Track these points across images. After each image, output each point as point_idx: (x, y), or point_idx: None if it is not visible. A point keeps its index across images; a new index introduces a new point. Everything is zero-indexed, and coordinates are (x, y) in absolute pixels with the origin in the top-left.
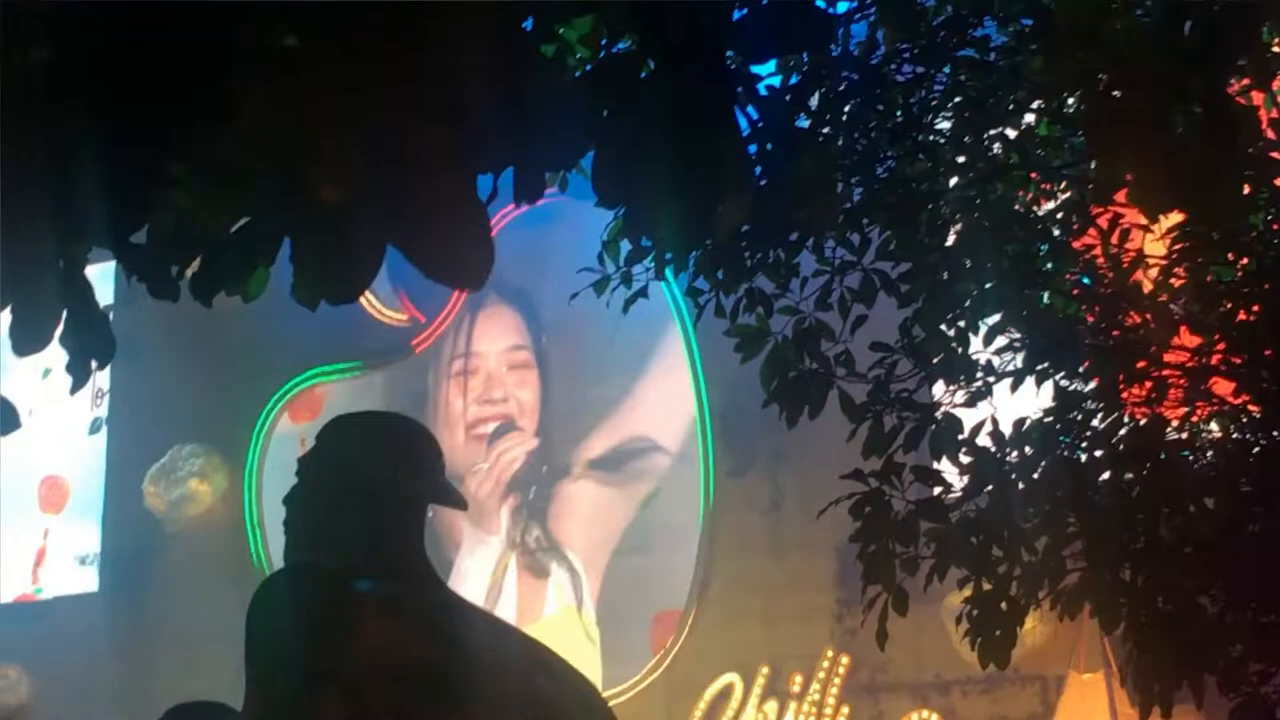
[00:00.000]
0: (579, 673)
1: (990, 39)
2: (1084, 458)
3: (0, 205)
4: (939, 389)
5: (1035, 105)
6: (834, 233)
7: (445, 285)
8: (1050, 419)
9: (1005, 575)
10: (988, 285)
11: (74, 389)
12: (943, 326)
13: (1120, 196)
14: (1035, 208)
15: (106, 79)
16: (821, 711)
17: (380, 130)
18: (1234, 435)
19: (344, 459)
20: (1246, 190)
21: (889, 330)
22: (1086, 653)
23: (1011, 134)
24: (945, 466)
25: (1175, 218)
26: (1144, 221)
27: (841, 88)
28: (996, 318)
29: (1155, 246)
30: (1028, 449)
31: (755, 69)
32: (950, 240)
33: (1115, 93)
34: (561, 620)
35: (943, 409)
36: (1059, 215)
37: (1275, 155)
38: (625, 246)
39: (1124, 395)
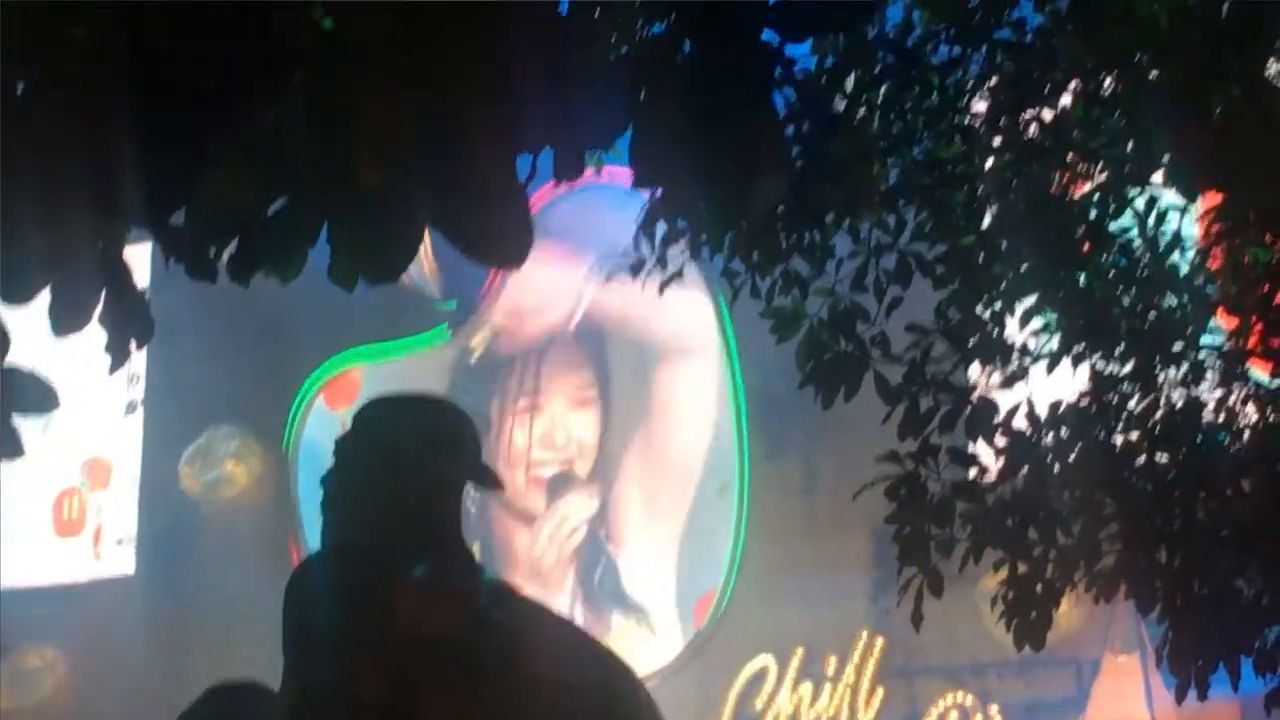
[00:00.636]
0: (616, 654)
1: (1027, 20)
2: (1120, 440)
3: (40, 185)
4: (975, 371)
5: (1072, 86)
6: (870, 214)
7: (484, 265)
8: (1086, 401)
9: (1041, 557)
10: (1024, 267)
11: (113, 369)
12: (979, 308)
13: (1157, 178)
14: (1072, 189)
15: (147, 58)
16: (856, 694)
17: (419, 111)
18: (1270, 418)
19: (380, 440)
20: None
21: (925, 312)
22: (1122, 635)
23: (1048, 115)
24: (981, 449)
25: (1213, 199)
26: (1181, 203)
27: (878, 69)
28: (1032, 300)
29: (1192, 228)
30: (1064, 431)
31: (791, 51)
32: (986, 222)
33: (1152, 74)
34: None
35: (978, 391)
36: (1095, 197)
37: None
38: (661, 230)
39: (1160, 378)
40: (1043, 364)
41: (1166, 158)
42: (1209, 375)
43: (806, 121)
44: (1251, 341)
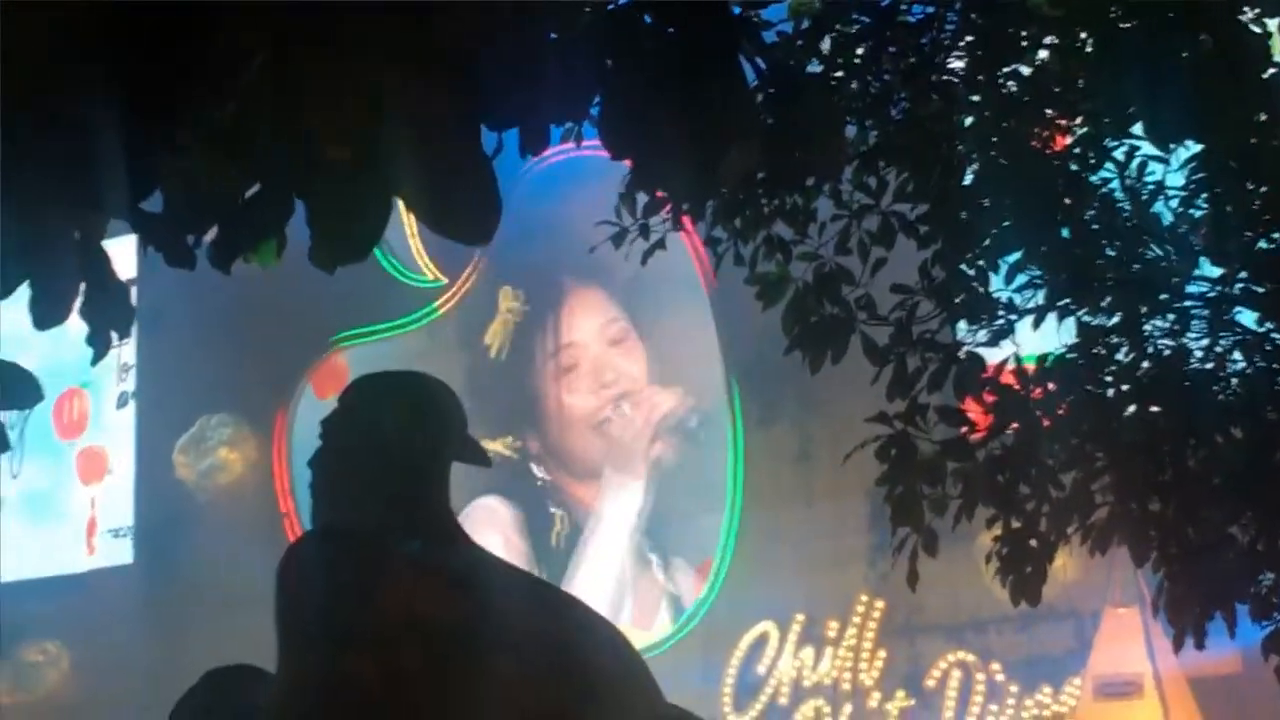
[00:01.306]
0: (612, 626)
1: None
2: (1109, 392)
3: (13, 178)
4: (961, 329)
5: (1048, 41)
6: (850, 176)
7: (454, 240)
8: (1073, 354)
9: (1034, 512)
10: (1006, 223)
11: (95, 360)
12: (963, 266)
13: (1137, 129)
14: (1051, 144)
15: (112, 46)
16: (858, 656)
17: (385, 85)
18: (1258, 364)
19: (366, 419)
20: (1262, 118)
21: (909, 272)
22: (1121, 586)
23: (1025, 71)
24: (970, 406)
25: (1194, 148)
26: (1161, 154)
27: (853, 30)
28: (1016, 255)
29: (1174, 178)
30: (1051, 385)
31: (766, 15)
32: (967, 180)
33: (1123, 25)
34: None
35: (965, 348)
36: (1076, 150)
37: None
38: (642, 198)
39: (1146, 328)
40: (1029, 319)
41: (1143, 109)
42: (1195, 324)
43: (775, 86)
44: (1236, 289)
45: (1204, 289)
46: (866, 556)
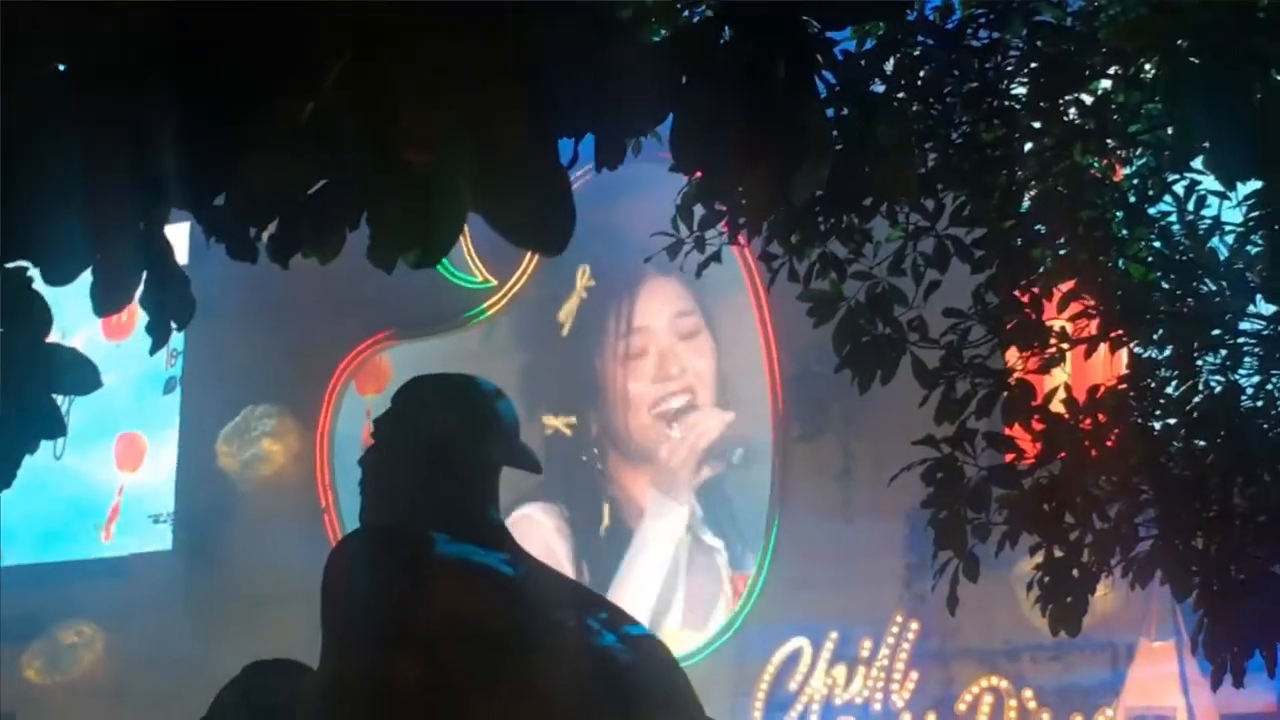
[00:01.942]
0: (653, 636)
1: (1067, 3)
2: (1158, 425)
3: (83, 166)
4: (1012, 355)
5: (1112, 71)
6: (907, 199)
7: (527, 250)
8: (1124, 386)
9: (1077, 542)
10: (1062, 251)
11: (154, 349)
12: (1016, 292)
13: (1196, 162)
14: (1111, 174)
15: (193, 41)
16: (890, 677)
17: (463, 94)
18: None
19: (418, 421)
20: None
21: (962, 296)
22: (1157, 620)
23: (1087, 100)
24: (1018, 433)
25: (1253, 184)
26: (1220, 188)
27: (917, 53)
28: (1070, 284)
29: (1231, 213)
30: (1101, 416)
31: (831, 34)
32: (1024, 206)
33: (1193, 59)
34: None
35: (1016, 375)
36: (1135, 181)
37: None
38: (699, 211)
39: (1198, 363)
40: (1080, 348)
41: (1207, 143)
42: (1247, 361)
43: (848, 105)
44: None
45: (1258, 326)
46: (903, 577)
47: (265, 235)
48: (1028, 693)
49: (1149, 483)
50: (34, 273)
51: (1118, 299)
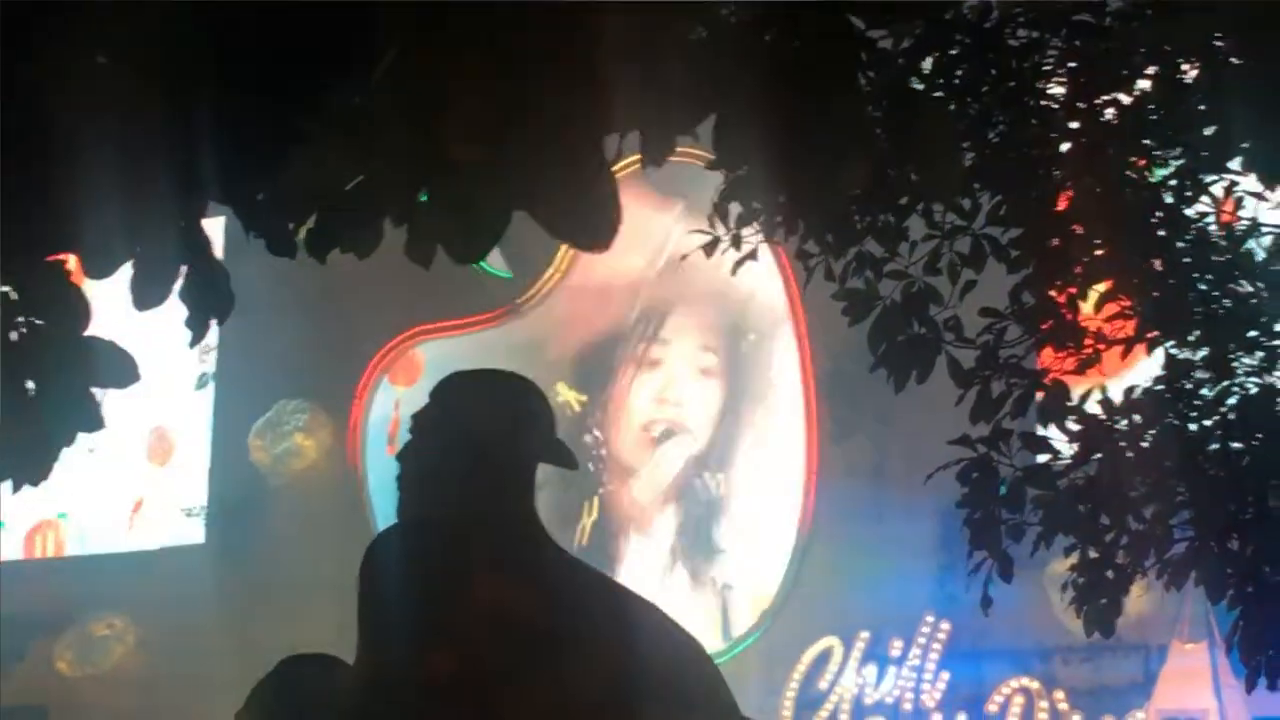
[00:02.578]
0: (690, 635)
1: (1106, 4)
2: (1193, 426)
3: (123, 161)
4: (1048, 355)
5: (1150, 71)
6: (950, 198)
7: (573, 247)
8: (1160, 387)
9: (1112, 543)
10: (1099, 252)
11: (193, 343)
12: (1052, 292)
13: (1235, 164)
14: (1148, 174)
15: (238, 35)
16: (921, 676)
17: (509, 90)
18: None
19: (457, 416)
20: None
21: (998, 296)
22: (1190, 622)
23: (1126, 100)
24: (1053, 433)
25: None
26: (1259, 189)
27: (955, 52)
28: (1107, 284)
29: (1270, 215)
30: (1137, 417)
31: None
32: (1061, 206)
33: (1232, 59)
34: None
35: (1051, 375)
36: (1172, 182)
37: None
38: (735, 209)
39: (1235, 364)
40: (1117, 349)
41: (1246, 144)
42: None
43: (887, 103)
44: None
45: None
46: (935, 576)
47: (303, 230)
48: (1059, 694)
49: (1184, 484)
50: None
51: (1154, 300)
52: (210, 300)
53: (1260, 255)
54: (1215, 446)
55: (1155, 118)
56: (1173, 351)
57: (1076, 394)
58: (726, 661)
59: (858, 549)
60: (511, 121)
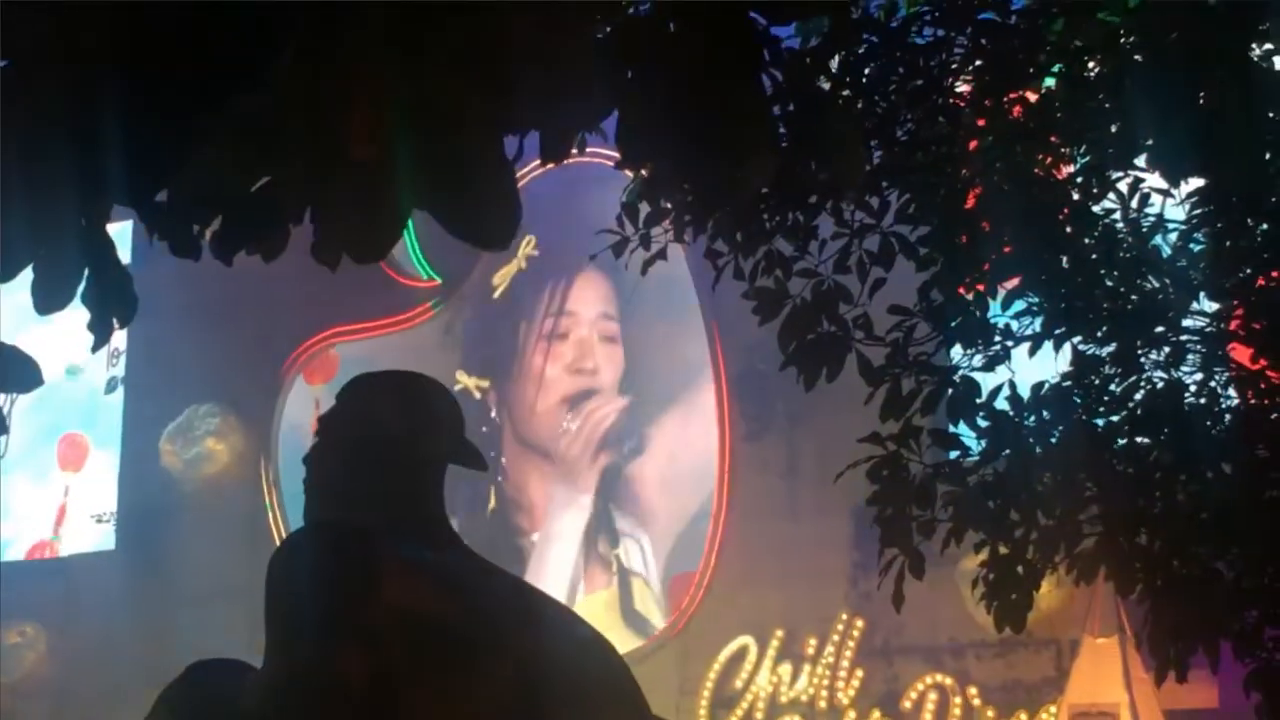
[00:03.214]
0: (598, 633)
1: (1011, 1)
2: (1102, 422)
3: (23, 163)
4: (957, 352)
5: (1056, 69)
6: (853, 195)
7: (471, 245)
8: (1068, 383)
9: (1022, 539)
10: (1006, 249)
11: (95, 347)
12: (961, 290)
13: (1140, 161)
14: (1055, 172)
15: (136, 35)
16: (835, 674)
17: (408, 89)
18: (1251, 401)
19: (363, 418)
20: (1268, 155)
21: (907, 293)
22: (1101, 617)
23: (1032, 97)
24: (962, 430)
25: (1195, 182)
26: (1164, 186)
27: (862, 50)
28: (1015, 281)
29: (1175, 211)
30: (1045, 413)
31: (775, 31)
32: (969, 204)
33: (1136, 57)
34: (628, 587)
35: (960, 372)
36: (1079, 179)
37: None
38: (644, 209)
39: (1142, 360)
40: (1025, 346)
41: (1151, 141)
42: (1190, 358)
43: (793, 101)
44: (1233, 325)
45: (1201, 324)
46: (848, 575)
47: (208, 233)
48: (972, 690)
49: (1093, 479)
50: None
51: (1061, 296)
52: (113, 303)
53: (1166, 251)
54: (1123, 442)
55: (1061, 115)
56: (1080, 347)
57: (986, 390)
58: (640, 661)
59: (772, 548)
60: (408, 120)
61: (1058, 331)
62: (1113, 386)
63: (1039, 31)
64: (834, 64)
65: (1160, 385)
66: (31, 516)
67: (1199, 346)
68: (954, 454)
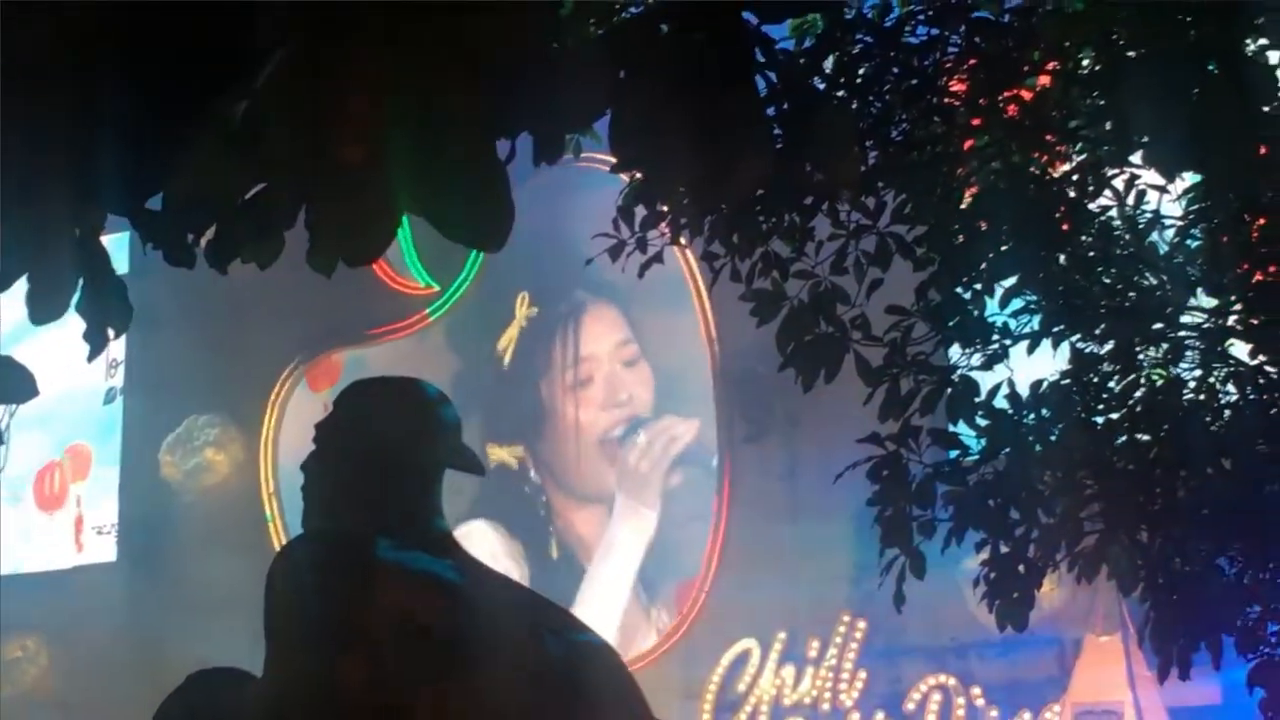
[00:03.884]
0: (600, 637)
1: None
2: (1101, 420)
3: (16, 172)
4: (955, 352)
5: (1050, 66)
6: (849, 196)
7: (465, 247)
8: (1067, 381)
9: (1023, 538)
10: (1003, 247)
11: (91, 357)
12: (958, 289)
13: (1136, 157)
14: (1051, 169)
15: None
16: (839, 676)
17: (400, 92)
18: (1251, 397)
19: (360, 424)
20: (1263, 150)
21: (905, 293)
22: (1103, 615)
23: (1027, 95)
24: (962, 429)
25: (1192, 178)
26: (1160, 182)
27: (856, 50)
28: (1012, 280)
29: (1172, 207)
30: (1045, 411)
31: (768, 31)
32: (965, 203)
33: (1130, 53)
34: None
35: (959, 372)
36: (1075, 177)
37: None
38: (640, 212)
39: (1140, 357)
40: (1023, 344)
41: (1146, 138)
42: (1189, 354)
43: (788, 101)
44: (1231, 320)
45: (1198, 320)
46: (850, 576)
47: (203, 241)
48: (975, 690)
49: (1093, 477)
50: None
51: (1059, 294)
52: (107, 312)
53: (1163, 248)
54: (1123, 439)
55: (1056, 113)
56: (1079, 345)
57: (984, 389)
58: (643, 665)
59: (773, 550)
60: (400, 124)
61: (1056, 329)
62: (1112, 384)
63: (1032, 30)
64: (828, 64)
65: (1159, 382)
66: (50, 530)
67: (1197, 342)
68: (954, 453)
